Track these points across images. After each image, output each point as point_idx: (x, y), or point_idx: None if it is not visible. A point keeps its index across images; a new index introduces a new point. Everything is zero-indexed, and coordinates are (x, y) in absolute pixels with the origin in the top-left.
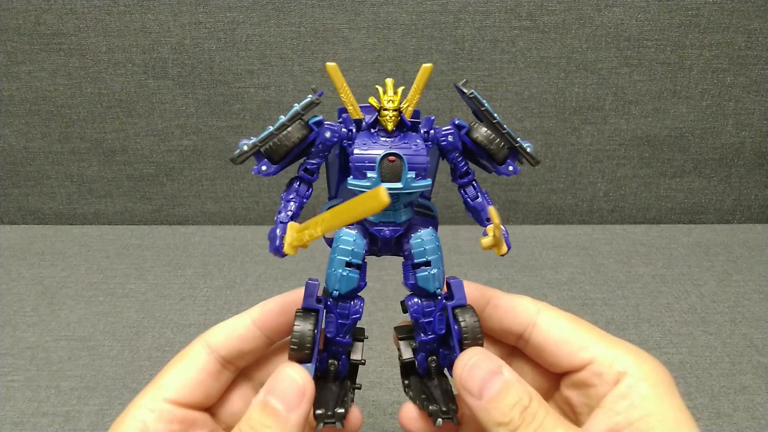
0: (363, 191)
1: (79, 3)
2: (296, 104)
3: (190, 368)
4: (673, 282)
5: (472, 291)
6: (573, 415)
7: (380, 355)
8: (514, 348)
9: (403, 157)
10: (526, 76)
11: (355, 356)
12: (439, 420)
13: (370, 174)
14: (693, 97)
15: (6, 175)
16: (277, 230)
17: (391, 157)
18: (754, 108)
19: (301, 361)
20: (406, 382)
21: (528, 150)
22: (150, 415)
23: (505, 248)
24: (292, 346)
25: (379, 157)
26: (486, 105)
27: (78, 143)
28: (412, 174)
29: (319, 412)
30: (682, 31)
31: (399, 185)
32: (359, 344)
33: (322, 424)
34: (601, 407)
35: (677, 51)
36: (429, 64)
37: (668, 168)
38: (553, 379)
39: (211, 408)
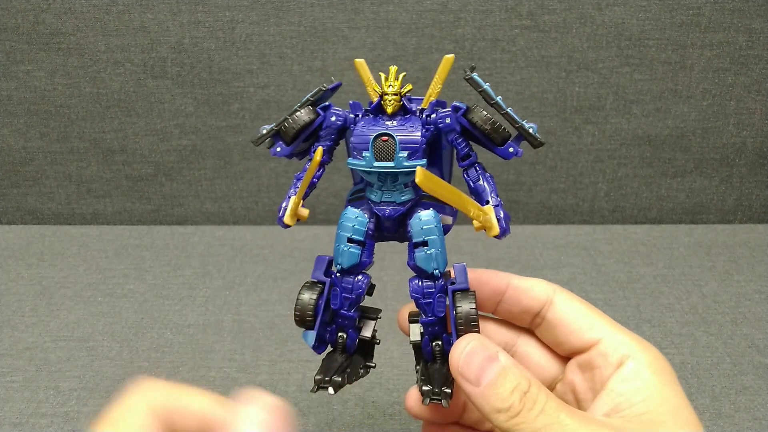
0: (360, 170)
1: (78, 2)
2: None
3: None
4: (675, 282)
5: (491, 277)
6: (576, 403)
7: (379, 356)
8: (524, 331)
9: (395, 137)
10: (526, 75)
11: (365, 333)
12: (427, 400)
13: (365, 153)
14: (694, 97)
15: (4, 175)
16: (283, 203)
17: (384, 137)
18: (755, 108)
19: (305, 327)
20: (418, 367)
21: (531, 131)
22: None
23: (495, 230)
24: (295, 314)
25: (372, 137)
26: (485, 86)
27: (77, 143)
28: (404, 154)
29: (317, 377)
30: (683, 31)
31: (391, 164)
32: (371, 322)
33: (316, 388)
34: (604, 390)
35: (678, 50)
36: (451, 55)
37: (669, 168)
38: (560, 363)
39: None
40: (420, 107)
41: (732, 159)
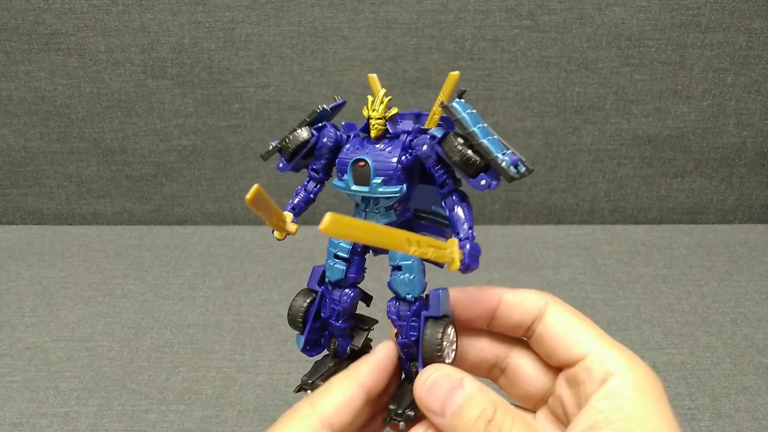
0: (342, 192)
1: (78, 2)
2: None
3: None
4: (674, 282)
5: (480, 295)
6: (565, 418)
7: None
8: (518, 342)
9: (370, 163)
10: (526, 75)
11: (355, 343)
12: (387, 419)
13: (345, 177)
14: (694, 97)
15: (5, 175)
16: None
17: (361, 162)
18: (755, 108)
19: (296, 330)
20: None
21: (504, 165)
22: None
23: (455, 266)
24: (287, 317)
25: (350, 162)
26: (461, 115)
27: (77, 143)
28: (378, 179)
29: (304, 377)
30: (683, 31)
31: (366, 189)
32: (363, 333)
33: (298, 388)
34: (585, 406)
35: (678, 50)
36: (456, 72)
37: (669, 168)
38: (554, 375)
39: None
40: (421, 126)
41: (732, 159)
